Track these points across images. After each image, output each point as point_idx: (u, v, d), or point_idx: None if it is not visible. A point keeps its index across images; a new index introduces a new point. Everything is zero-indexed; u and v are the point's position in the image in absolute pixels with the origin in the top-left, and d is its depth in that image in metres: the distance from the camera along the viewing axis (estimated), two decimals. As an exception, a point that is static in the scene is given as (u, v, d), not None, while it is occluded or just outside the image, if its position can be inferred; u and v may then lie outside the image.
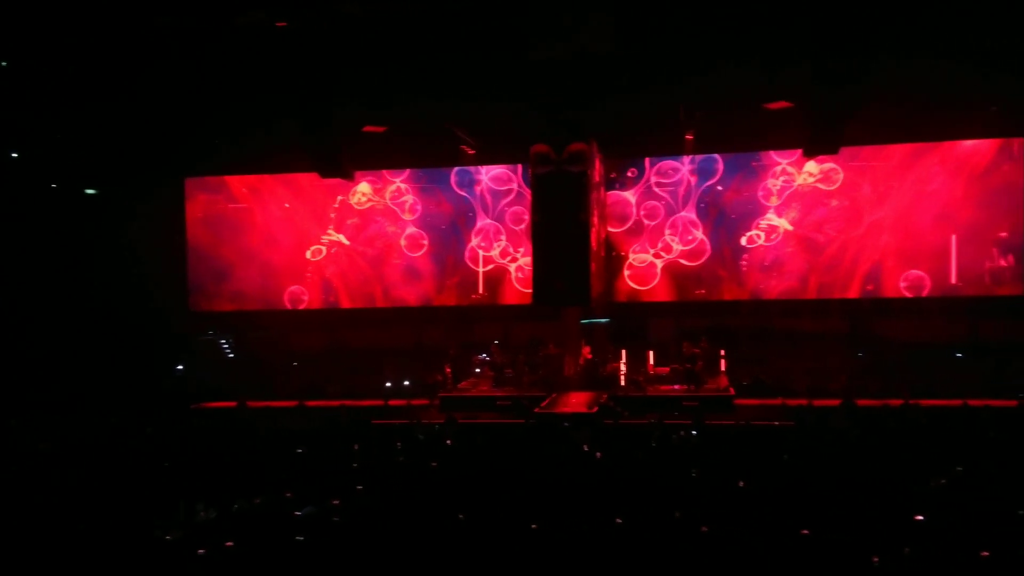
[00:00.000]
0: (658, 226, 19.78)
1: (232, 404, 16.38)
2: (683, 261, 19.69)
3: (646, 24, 12.45)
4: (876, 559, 5.92)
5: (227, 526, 7.33)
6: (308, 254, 21.09)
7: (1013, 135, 18.08)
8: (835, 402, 14.12)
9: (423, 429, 12.51)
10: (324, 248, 21.04)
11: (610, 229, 19.76)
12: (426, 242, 20.71)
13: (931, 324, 18.28)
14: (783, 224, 19.22)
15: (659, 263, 19.77)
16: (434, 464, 9.47)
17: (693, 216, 19.61)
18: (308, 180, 20.29)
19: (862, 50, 12.25)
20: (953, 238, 18.44)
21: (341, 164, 17.39)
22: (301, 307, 21.12)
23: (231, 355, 21.39)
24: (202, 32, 13.53)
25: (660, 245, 19.76)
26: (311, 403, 16.17)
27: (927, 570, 5.92)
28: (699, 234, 19.55)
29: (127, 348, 19.46)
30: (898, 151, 18.72)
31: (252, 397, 16.85)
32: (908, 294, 18.59)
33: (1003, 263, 18.25)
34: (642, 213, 19.86)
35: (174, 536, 6.96)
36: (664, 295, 19.83)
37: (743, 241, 19.39)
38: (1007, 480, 7.85)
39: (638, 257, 19.85)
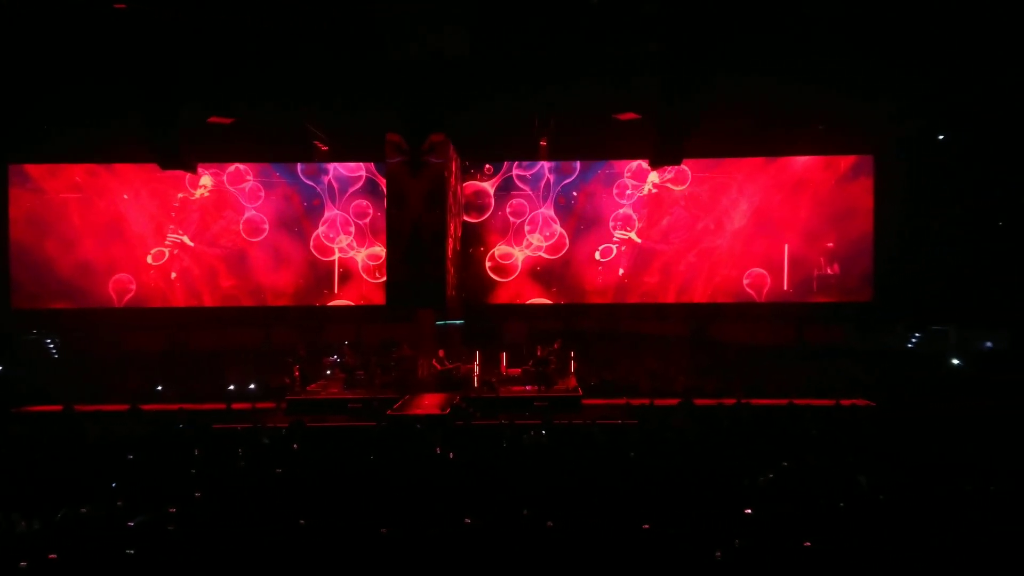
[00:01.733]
0: (518, 220, 20.15)
1: (58, 408, 15.20)
2: (544, 255, 20.16)
3: (502, 30, 12.59)
4: (719, 554, 6.23)
5: (51, 537, 6.79)
6: (149, 258, 20.02)
7: (838, 152, 19.69)
8: (675, 401, 14.77)
9: (268, 433, 12.08)
10: (167, 251, 20.01)
11: (469, 219, 19.94)
12: (267, 226, 20.09)
13: (763, 328, 19.70)
14: (631, 235, 20.03)
15: (520, 255, 20.11)
16: (279, 470, 9.16)
17: (551, 212, 20.08)
18: (148, 171, 19.11)
19: (704, 67, 12.92)
20: (785, 248, 19.86)
21: (183, 156, 16.51)
22: (130, 301, 20.04)
23: (56, 356, 19.86)
24: (31, 7, 12.48)
25: (524, 243, 20.12)
26: (146, 406, 15.26)
27: (756, 561, 6.29)
28: (558, 228, 20.06)
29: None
30: (735, 164, 19.96)
31: (80, 400, 15.71)
32: (751, 292, 19.84)
33: (828, 272, 19.83)
34: (508, 210, 20.19)
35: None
36: (523, 289, 20.20)
37: (597, 254, 20.12)
38: (828, 474, 8.48)
39: (500, 250, 20.09)
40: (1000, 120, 16.77)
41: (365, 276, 20.07)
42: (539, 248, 20.20)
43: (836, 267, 19.82)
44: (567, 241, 20.15)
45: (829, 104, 16.57)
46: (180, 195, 20.01)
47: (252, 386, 17.36)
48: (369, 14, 12.16)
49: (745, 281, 19.97)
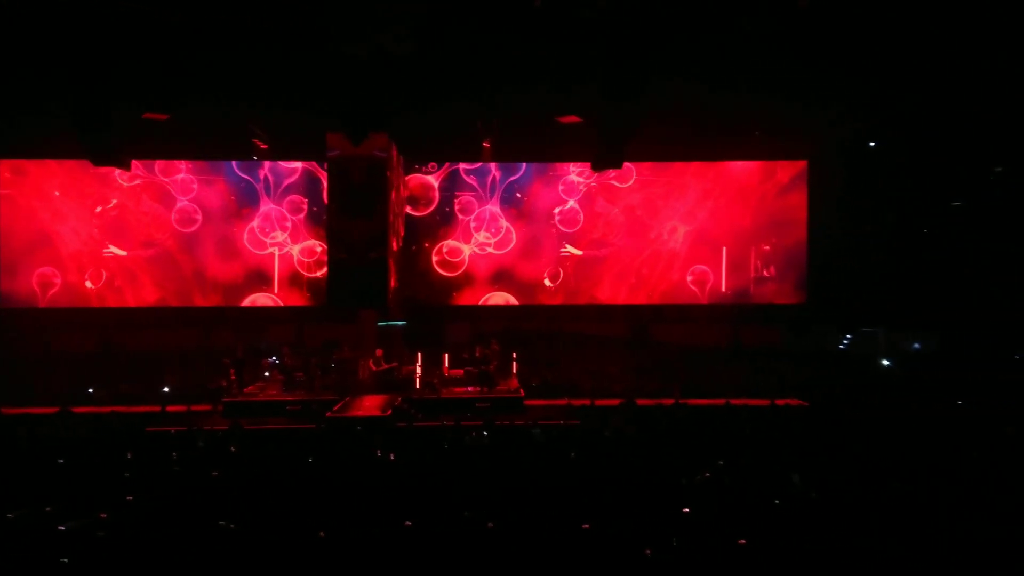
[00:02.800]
0: (466, 217, 20.22)
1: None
2: (492, 250, 20.24)
3: (447, 31, 12.56)
4: (648, 551, 6.32)
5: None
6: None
7: (774, 158, 20.20)
8: (615, 402, 14.93)
9: (204, 436, 11.83)
10: (97, 239, 19.46)
11: (413, 213, 19.93)
12: (200, 217, 19.71)
13: (701, 329, 20.11)
14: (573, 232, 20.24)
15: (467, 250, 20.15)
16: (215, 473, 8.99)
17: (498, 209, 20.14)
18: (80, 167, 18.54)
19: (642, 72, 13.11)
20: (723, 251, 20.28)
21: (117, 152, 16.03)
22: (58, 299, 19.40)
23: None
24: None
25: (473, 241, 20.15)
26: (77, 409, 14.80)
27: (693, 559, 6.40)
28: (504, 223, 20.15)
29: None
30: (676, 168, 20.31)
31: (8, 403, 15.17)
32: (694, 289, 20.26)
33: (765, 275, 20.32)
34: (456, 206, 20.20)
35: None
36: (469, 285, 20.25)
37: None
38: (763, 473, 8.68)
39: (448, 244, 20.08)
40: (928, 129, 17.40)
41: (302, 272, 19.79)
42: (486, 244, 20.22)
43: (772, 270, 20.34)
44: (513, 238, 20.22)
45: (765, 111, 16.98)
46: (114, 200, 19.48)
47: (187, 388, 16.97)
48: (312, 11, 12.00)
49: (689, 278, 20.35)
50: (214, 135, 18.08)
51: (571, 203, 20.23)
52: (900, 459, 9.29)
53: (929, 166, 18.70)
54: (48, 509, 7.42)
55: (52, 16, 12.33)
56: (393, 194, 16.52)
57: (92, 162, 16.26)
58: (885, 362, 19.43)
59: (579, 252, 20.23)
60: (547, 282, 20.32)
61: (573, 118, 15.48)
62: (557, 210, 20.25)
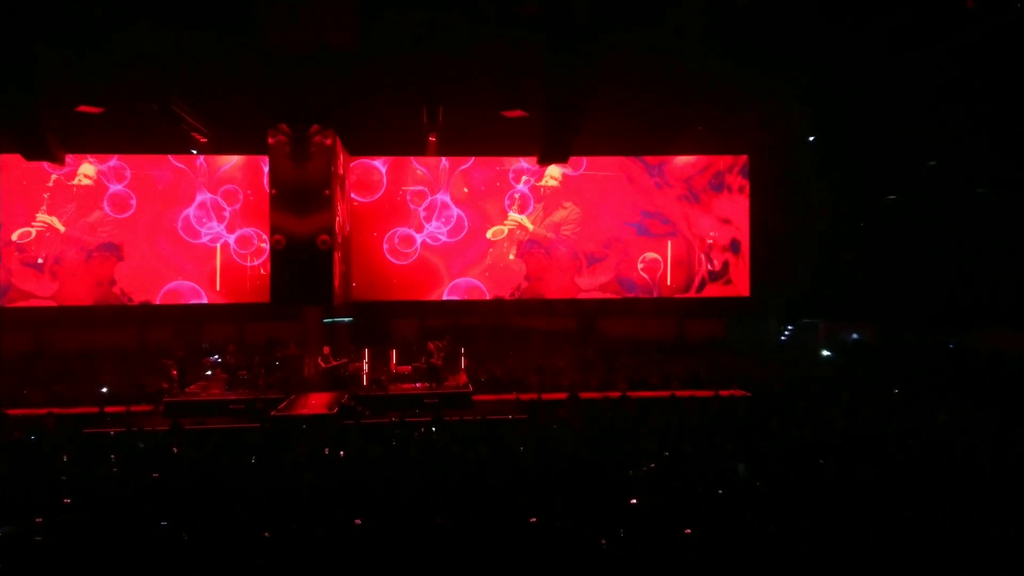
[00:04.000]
0: (416, 206, 20.13)
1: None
2: (443, 237, 20.20)
3: (390, 23, 12.42)
4: (604, 541, 6.38)
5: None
6: (14, 236, 18.71)
7: (716, 153, 20.52)
8: (562, 396, 15.03)
9: (144, 437, 11.56)
10: (33, 231, 18.78)
11: (359, 199, 19.73)
12: (134, 202, 19.24)
13: (646, 323, 20.34)
14: (523, 219, 20.28)
15: (419, 238, 20.12)
16: (156, 475, 8.78)
17: (447, 197, 20.08)
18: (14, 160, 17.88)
19: (585, 66, 13.17)
20: (668, 244, 20.54)
21: (48, 147, 15.47)
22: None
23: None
24: None
25: (425, 231, 20.11)
26: (11, 411, 14.34)
27: (640, 549, 6.48)
28: (455, 212, 20.15)
29: None
30: (621, 162, 20.51)
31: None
32: (645, 276, 20.45)
33: (708, 268, 20.65)
34: (407, 195, 20.08)
35: None
36: (419, 276, 20.10)
37: (489, 234, 20.16)
38: (707, 463, 8.82)
39: (400, 232, 19.96)
40: (866, 123, 17.85)
41: (238, 260, 19.44)
42: (439, 233, 20.12)
43: (716, 264, 20.68)
44: (466, 225, 20.17)
45: (707, 106, 17.19)
46: (55, 176, 18.88)
47: (125, 388, 16.55)
48: (250, 4, 11.76)
49: (640, 265, 20.50)
50: (152, 129, 17.56)
51: (518, 194, 20.27)
52: (840, 447, 9.53)
53: (865, 160, 19.20)
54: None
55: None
56: (338, 189, 16.32)
57: (24, 156, 15.70)
58: (825, 352, 19.92)
59: (529, 229, 20.23)
60: (492, 274, 20.31)
61: (519, 112, 15.46)
62: (509, 196, 20.25)
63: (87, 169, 19.04)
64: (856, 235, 20.32)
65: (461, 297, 20.27)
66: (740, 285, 20.81)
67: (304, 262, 15.37)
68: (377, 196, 20.00)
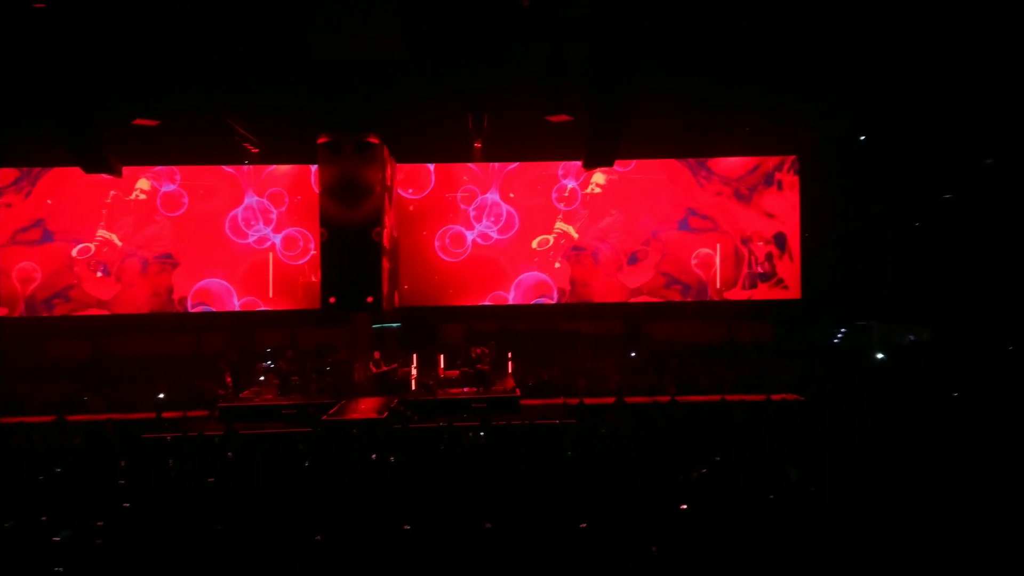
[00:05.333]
0: (467, 207, 20.19)
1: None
2: (494, 235, 20.16)
3: (434, 31, 12.53)
4: (655, 548, 6.33)
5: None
6: (74, 252, 19.28)
7: (765, 153, 20.24)
8: (610, 400, 14.95)
9: (200, 442, 11.82)
10: (92, 246, 19.34)
11: (406, 194, 19.85)
12: (186, 200, 19.66)
13: (694, 326, 20.12)
14: (569, 229, 20.23)
15: (470, 236, 20.16)
16: (211, 479, 8.98)
17: (497, 197, 20.13)
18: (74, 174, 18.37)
19: (631, 71, 13.13)
20: (717, 247, 20.31)
21: (107, 160, 15.97)
22: (56, 307, 19.27)
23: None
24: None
25: (476, 230, 20.13)
26: (72, 417, 14.77)
27: (691, 555, 6.42)
28: (505, 208, 20.12)
29: None
30: (668, 165, 20.33)
31: (3, 412, 15.12)
32: (698, 272, 20.21)
33: (758, 270, 20.36)
34: (458, 194, 20.13)
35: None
36: (472, 271, 20.13)
37: (534, 244, 20.17)
38: (758, 468, 8.70)
39: (452, 229, 20.07)
40: (918, 121, 17.44)
41: (284, 261, 19.72)
42: (488, 232, 20.16)
43: (766, 265, 20.38)
44: (515, 224, 20.15)
45: (755, 106, 16.98)
46: (113, 193, 19.42)
47: (182, 394, 16.94)
48: (298, 14, 11.97)
49: (693, 261, 20.29)
50: (205, 141, 17.98)
51: (567, 193, 20.19)
52: (897, 452, 9.32)
53: (920, 159, 18.76)
54: (44, 518, 7.40)
55: (39, 25, 12.27)
56: (386, 197, 16.49)
57: (84, 169, 16.22)
58: (879, 355, 19.49)
59: (576, 235, 20.15)
60: (538, 279, 20.28)
61: (564, 117, 15.46)
62: (553, 201, 20.22)
63: (143, 184, 19.53)
64: (911, 234, 19.86)
65: (506, 302, 20.26)
66: (791, 286, 20.47)
67: (353, 270, 15.54)
68: (425, 193, 20.10)
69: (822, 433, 10.69)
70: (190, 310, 19.62)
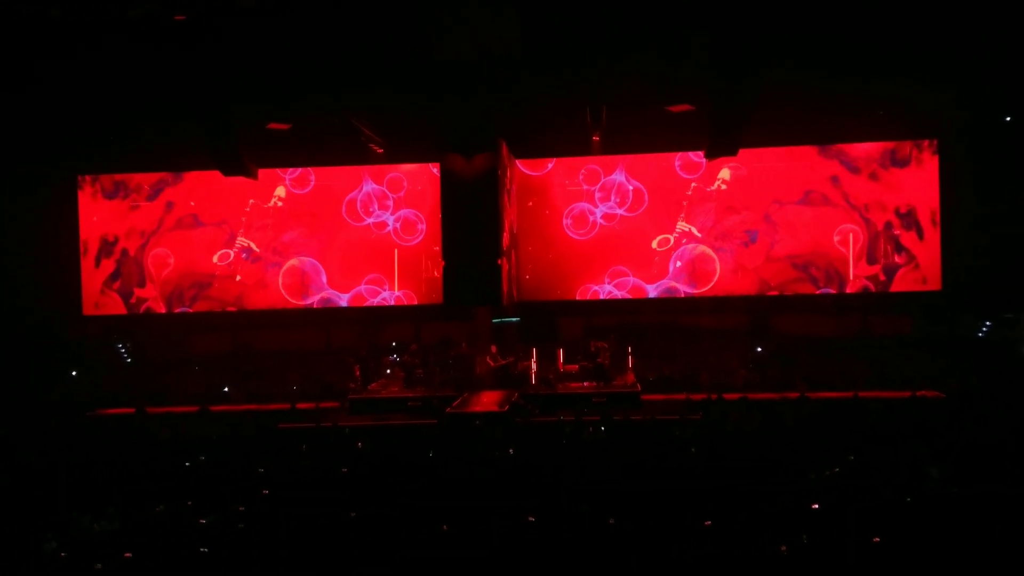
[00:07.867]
0: (590, 187, 20.03)
1: (130, 411, 15.76)
2: (622, 212, 19.91)
3: (552, 26, 12.55)
4: (784, 548, 6.15)
5: (126, 537, 7.05)
6: (215, 258, 20.51)
7: (900, 138, 19.14)
8: (736, 396, 14.57)
9: (332, 432, 12.32)
10: (232, 253, 20.51)
11: (527, 171, 19.89)
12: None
13: (825, 319, 19.24)
14: (692, 228, 19.80)
15: (598, 211, 20.02)
16: (345, 469, 9.34)
17: (623, 178, 19.95)
18: (215, 179, 19.33)
19: (756, 56, 12.70)
20: (850, 237, 19.37)
21: (243, 162, 16.88)
22: (195, 304, 20.53)
23: (129, 360, 20.53)
24: (94, 25, 12.89)
25: (599, 211, 19.98)
26: (214, 408, 15.71)
27: (824, 556, 6.19)
28: (631, 185, 19.86)
29: (14, 355, 18.48)
30: (795, 152, 19.53)
31: (151, 403, 16.27)
32: (841, 250, 19.38)
33: (895, 260, 19.30)
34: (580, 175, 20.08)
35: (69, 549, 6.66)
36: (595, 249, 20.03)
37: (654, 244, 19.92)
38: (895, 468, 8.29)
39: (576, 207, 20.00)
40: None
41: (398, 242, 20.21)
42: (613, 211, 19.99)
43: (903, 255, 19.28)
44: (645, 199, 19.86)
45: (888, 89, 16.09)
46: (252, 201, 20.49)
47: (315, 386, 17.72)
48: (415, 14, 12.26)
49: (836, 238, 19.52)
50: (333, 142, 18.72)
51: (693, 182, 19.76)
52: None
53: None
54: (189, 503, 7.91)
55: (178, 36, 13.10)
56: (504, 197, 16.63)
57: (222, 172, 17.18)
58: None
59: (698, 234, 19.72)
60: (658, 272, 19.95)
61: (685, 106, 15.16)
62: (675, 200, 19.83)
63: (280, 192, 20.50)
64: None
65: (625, 295, 20.03)
66: (930, 277, 19.28)
67: (474, 266, 15.74)
68: (547, 170, 20.09)
69: (966, 431, 10.09)
70: (318, 306, 20.45)
